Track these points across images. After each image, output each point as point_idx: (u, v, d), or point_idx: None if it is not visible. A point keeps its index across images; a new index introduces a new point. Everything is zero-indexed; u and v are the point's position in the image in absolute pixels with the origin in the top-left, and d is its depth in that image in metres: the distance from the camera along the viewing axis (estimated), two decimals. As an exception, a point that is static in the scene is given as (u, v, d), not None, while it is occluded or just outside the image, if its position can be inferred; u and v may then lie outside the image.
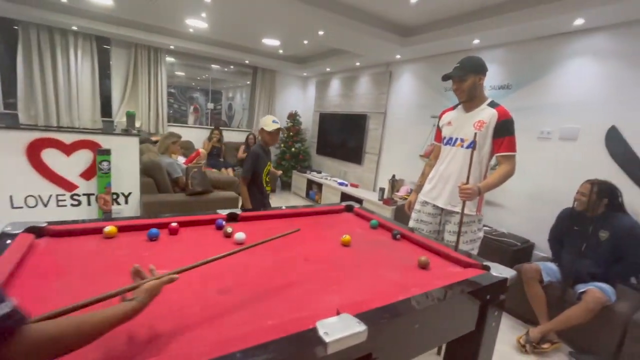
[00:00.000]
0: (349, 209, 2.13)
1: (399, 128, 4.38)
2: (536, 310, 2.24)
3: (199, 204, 3.04)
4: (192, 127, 6.19)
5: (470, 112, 1.84)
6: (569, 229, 2.31)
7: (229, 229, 1.45)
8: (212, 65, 6.25)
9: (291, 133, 6.19)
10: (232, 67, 6.42)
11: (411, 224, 2.10)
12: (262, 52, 5.42)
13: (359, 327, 0.81)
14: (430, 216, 2.00)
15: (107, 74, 5.11)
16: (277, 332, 0.79)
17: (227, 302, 0.95)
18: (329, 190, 5.06)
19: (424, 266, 1.33)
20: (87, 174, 2.66)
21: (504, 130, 1.73)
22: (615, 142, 2.38)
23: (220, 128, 5.91)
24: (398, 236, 1.65)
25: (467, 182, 1.65)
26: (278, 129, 2.40)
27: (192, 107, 6.88)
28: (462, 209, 1.68)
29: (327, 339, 0.75)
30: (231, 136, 6.22)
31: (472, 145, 1.71)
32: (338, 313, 0.88)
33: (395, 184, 4.04)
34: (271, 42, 4.54)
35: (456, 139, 1.87)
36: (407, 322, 0.95)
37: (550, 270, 2.29)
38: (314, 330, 0.79)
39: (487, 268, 1.31)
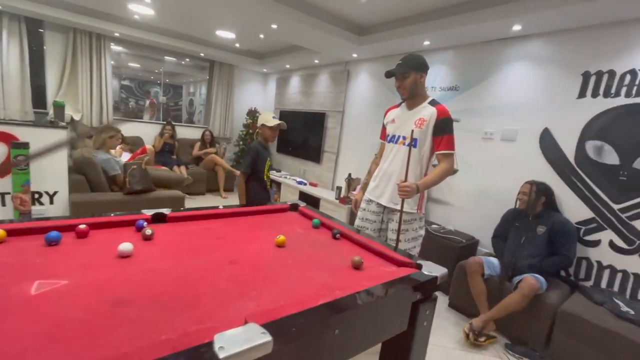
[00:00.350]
0: (294, 208, 2.05)
1: (357, 127, 4.39)
2: (478, 302, 2.32)
3: (139, 203, 2.81)
4: (145, 122, 5.76)
5: (412, 110, 1.84)
6: (512, 227, 2.44)
7: (149, 231, 1.31)
8: (167, 58, 5.88)
9: (250, 130, 6.01)
10: (187, 60, 6.09)
11: (357, 222, 2.07)
12: (218, 45, 5.18)
13: (263, 338, 0.73)
14: (374, 214, 1.98)
15: (41, 61, 4.60)
16: (168, 348, 0.69)
17: (120, 315, 0.82)
18: (287, 189, 4.97)
19: (357, 266, 1.28)
20: (0, 171, 2.33)
21: (442, 129, 1.74)
22: (547, 143, 2.53)
23: (173, 123, 5.59)
24: (338, 235, 1.60)
25: (406, 180, 1.64)
26: (279, 124, 2.48)
27: (148, 102, 6.44)
28: (401, 207, 1.66)
29: (221, 355, 0.66)
30: (186, 132, 5.90)
31: (409, 143, 1.71)
32: (246, 322, 0.79)
33: (351, 182, 4.04)
34: (226, 34, 4.34)
35: (399, 137, 1.86)
36: (325, 328, 0.89)
37: (491, 264, 2.38)
38: (209, 345, 0.69)
39: (421, 267, 1.29)
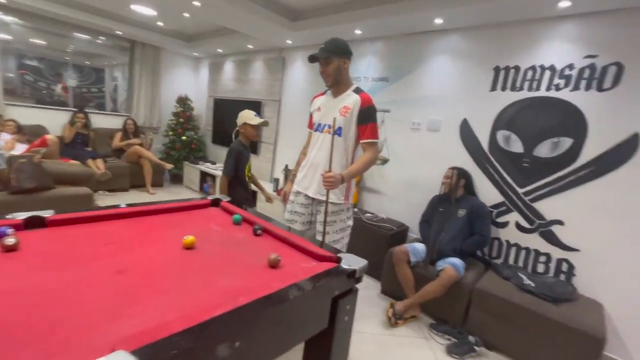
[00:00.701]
0: (215, 203, 1.88)
1: (294, 116, 4.27)
2: (405, 289, 2.41)
3: (31, 204, 2.36)
4: (47, 108, 4.90)
5: (337, 97, 1.79)
6: (436, 211, 2.58)
7: (11, 240, 1.05)
8: (76, 34, 5.06)
9: (181, 119, 5.52)
10: (103, 38, 5.33)
11: (286, 215, 1.98)
12: (137, 22, 4.61)
13: (129, 369, 0.59)
14: (303, 206, 1.90)
15: None
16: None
17: None
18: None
19: (274, 265, 1.19)
20: None
21: (366, 117, 1.72)
22: (466, 133, 2.71)
23: (87, 111, 4.88)
24: (259, 231, 1.50)
25: (330, 170, 1.58)
26: (263, 122, 2.47)
27: (59, 86, 5.50)
28: (327, 198, 1.61)
29: (60, 401, 0.52)
30: (106, 122, 5.21)
31: (333, 132, 1.65)
32: (112, 351, 0.65)
33: (288, 174, 3.94)
34: (144, 10, 3.85)
35: (324, 125, 1.80)
36: (219, 344, 0.78)
37: (416, 251, 2.48)
38: (48, 389, 0.54)
39: (340, 260, 1.25)
